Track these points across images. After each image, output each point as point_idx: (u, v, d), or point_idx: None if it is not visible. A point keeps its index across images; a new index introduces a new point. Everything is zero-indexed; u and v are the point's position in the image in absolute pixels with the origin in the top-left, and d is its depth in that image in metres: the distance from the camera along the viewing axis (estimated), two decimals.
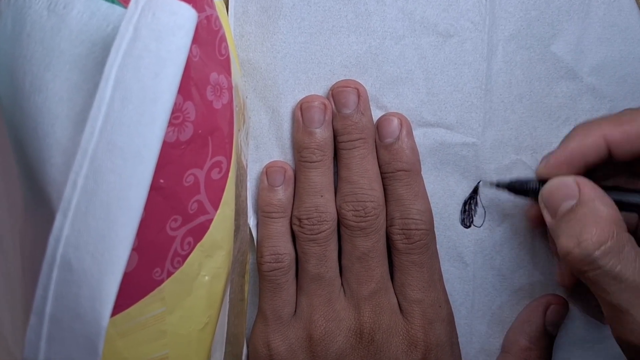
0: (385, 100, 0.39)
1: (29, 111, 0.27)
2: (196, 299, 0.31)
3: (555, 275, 0.39)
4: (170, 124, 0.28)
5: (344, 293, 0.38)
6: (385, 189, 0.38)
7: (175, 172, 0.29)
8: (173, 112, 0.27)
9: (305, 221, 0.38)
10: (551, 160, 0.35)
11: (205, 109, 0.30)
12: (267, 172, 0.39)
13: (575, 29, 0.38)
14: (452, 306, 0.39)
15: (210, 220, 0.31)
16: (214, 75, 0.31)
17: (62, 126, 0.27)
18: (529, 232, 0.39)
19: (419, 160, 0.39)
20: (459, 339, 0.40)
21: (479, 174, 0.39)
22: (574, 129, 0.35)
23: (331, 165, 0.39)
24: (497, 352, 0.40)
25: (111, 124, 0.25)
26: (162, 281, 0.29)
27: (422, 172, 0.39)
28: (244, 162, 0.38)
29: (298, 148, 0.39)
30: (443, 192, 0.40)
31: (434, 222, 0.39)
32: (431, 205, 0.39)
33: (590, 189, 0.32)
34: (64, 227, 0.25)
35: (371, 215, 0.37)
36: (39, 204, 0.28)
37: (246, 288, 0.39)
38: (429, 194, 0.39)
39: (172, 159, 0.28)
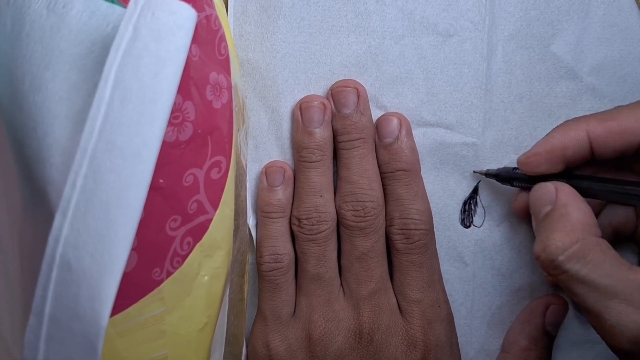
0: (384, 100, 0.39)
1: (28, 111, 0.27)
2: (195, 299, 0.31)
3: None
4: (170, 123, 0.28)
5: (343, 293, 0.38)
6: (384, 189, 0.38)
7: (175, 171, 0.29)
8: (172, 111, 0.27)
9: (305, 221, 0.38)
10: (531, 151, 0.36)
11: (204, 109, 0.30)
12: (267, 172, 0.39)
13: (575, 29, 0.38)
14: (451, 306, 0.39)
15: (209, 220, 0.31)
16: (213, 75, 0.31)
17: (62, 126, 0.27)
18: (529, 232, 0.39)
19: (418, 160, 0.39)
20: (459, 339, 0.40)
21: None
22: (561, 123, 0.35)
23: (331, 165, 0.39)
24: (497, 352, 0.40)
25: (110, 124, 0.25)
26: (161, 281, 0.29)
27: (421, 172, 0.39)
28: (244, 162, 0.38)
29: (297, 148, 0.39)
30: (443, 192, 0.40)
31: (434, 222, 0.39)
32: (431, 205, 0.39)
33: (565, 195, 0.33)
34: (63, 226, 0.25)
35: (370, 215, 0.37)
36: (38, 204, 0.28)
37: (246, 288, 0.39)
38: (428, 194, 0.39)
39: (171, 158, 0.28)
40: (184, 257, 0.30)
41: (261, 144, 0.40)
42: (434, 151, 0.39)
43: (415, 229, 0.37)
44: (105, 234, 0.25)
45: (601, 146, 0.33)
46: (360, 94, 0.38)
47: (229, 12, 0.38)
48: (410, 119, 0.39)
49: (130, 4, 0.26)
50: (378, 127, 0.39)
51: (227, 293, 0.36)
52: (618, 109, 0.34)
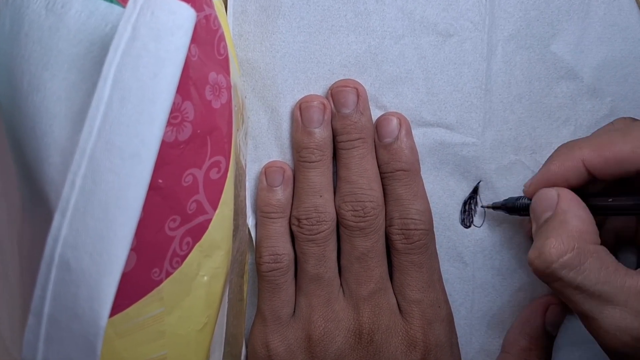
0: (384, 100, 0.39)
1: (27, 110, 0.27)
2: (195, 299, 0.31)
3: None
4: (169, 123, 0.28)
5: (343, 293, 0.38)
6: (384, 189, 0.38)
7: (174, 172, 0.29)
8: (172, 111, 0.27)
9: (304, 221, 0.38)
10: (534, 182, 0.36)
11: (204, 109, 0.30)
12: (266, 172, 0.39)
13: (575, 29, 0.38)
14: (451, 306, 0.39)
15: (209, 220, 0.31)
16: (212, 75, 0.31)
17: (60, 126, 0.27)
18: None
19: (418, 160, 0.39)
20: (459, 339, 0.39)
21: (479, 174, 0.39)
22: (556, 150, 0.36)
23: (330, 165, 0.39)
24: (497, 353, 0.40)
25: (109, 124, 0.25)
26: (160, 281, 0.29)
27: (421, 172, 0.39)
28: (243, 162, 0.38)
29: (297, 148, 0.39)
30: (443, 192, 0.40)
31: (434, 222, 0.39)
32: (431, 205, 0.39)
33: (566, 201, 0.33)
34: (62, 226, 0.25)
35: (370, 215, 0.37)
36: (37, 204, 0.28)
37: (245, 288, 0.39)
38: (428, 194, 0.39)
39: (170, 158, 0.28)
40: (183, 257, 0.30)
41: (261, 143, 0.40)
42: (434, 151, 0.39)
43: (415, 229, 0.37)
44: (104, 234, 0.25)
45: (599, 173, 0.33)
46: (359, 93, 0.38)
47: (228, 11, 0.38)
48: (410, 119, 0.39)
49: (129, 4, 0.25)
50: (378, 127, 0.39)
51: (227, 293, 0.36)
52: (610, 136, 0.33)
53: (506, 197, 0.39)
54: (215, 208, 0.31)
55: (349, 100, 0.38)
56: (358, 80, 0.39)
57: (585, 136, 0.36)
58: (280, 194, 0.39)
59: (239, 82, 0.37)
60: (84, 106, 0.26)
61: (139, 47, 0.25)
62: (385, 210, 0.38)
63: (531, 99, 0.39)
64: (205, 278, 0.31)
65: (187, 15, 0.26)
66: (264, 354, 0.38)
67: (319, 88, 0.39)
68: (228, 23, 0.38)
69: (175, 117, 0.28)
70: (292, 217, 0.39)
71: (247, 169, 0.39)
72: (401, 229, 0.37)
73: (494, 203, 0.39)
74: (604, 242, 0.32)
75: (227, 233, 0.33)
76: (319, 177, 0.38)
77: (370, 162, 0.38)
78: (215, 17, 0.32)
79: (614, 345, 0.30)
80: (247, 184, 0.39)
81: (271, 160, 0.40)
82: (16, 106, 0.27)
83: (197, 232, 0.31)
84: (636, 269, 0.31)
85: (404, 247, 0.37)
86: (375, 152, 0.39)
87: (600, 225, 0.37)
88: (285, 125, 0.39)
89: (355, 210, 0.37)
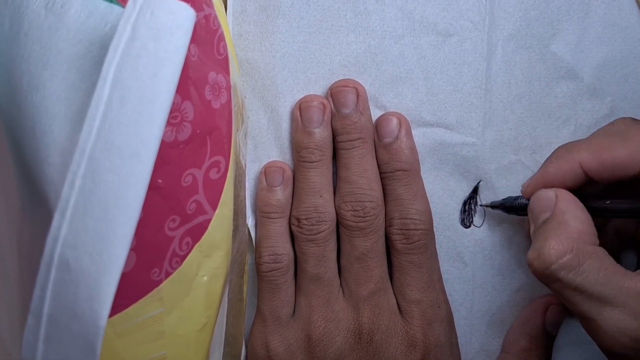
0: (384, 99, 0.39)
1: (26, 110, 0.27)
2: (194, 300, 0.31)
3: None
4: (169, 123, 0.28)
5: (343, 293, 0.38)
6: (384, 189, 0.38)
7: (174, 172, 0.29)
8: (171, 111, 0.27)
9: (304, 221, 0.38)
10: (532, 183, 0.36)
11: (203, 109, 0.30)
12: (266, 172, 0.39)
13: (575, 29, 0.38)
14: (451, 306, 0.39)
15: (208, 221, 0.31)
16: (212, 75, 0.31)
17: (60, 125, 0.27)
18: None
19: (418, 160, 0.39)
20: (459, 340, 0.39)
21: (479, 174, 0.39)
22: (554, 152, 0.36)
23: (330, 165, 0.39)
24: (497, 353, 0.40)
25: (109, 124, 0.25)
26: (160, 281, 0.29)
27: (421, 172, 0.39)
28: (243, 162, 0.38)
29: (297, 148, 0.39)
30: (442, 192, 0.39)
31: (434, 222, 0.39)
32: (430, 205, 0.39)
33: (564, 202, 0.33)
34: (61, 226, 0.25)
35: (370, 215, 0.37)
36: (36, 204, 0.28)
37: (245, 288, 0.39)
38: (428, 194, 0.39)
39: (170, 158, 0.28)
40: (183, 258, 0.30)
41: (260, 143, 0.40)
42: (434, 151, 0.39)
43: (415, 229, 0.37)
44: (104, 234, 0.25)
45: (596, 176, 0.33)
46: (359, 93, 0.38)
47: (228, 11, 0.38)
48: (410, 118, 0.39)
49: (129, 4, 0.25)
50: (377, 127, 0.38)
51: (226, 293, 0.36)
52: (609, 139, 0.33)
53: (505, 197, 0.39)
54: (214, 208, 0.31)
55: (348, 100, 0.38)
56: (358, 80, 0.39)
57: (584, 138, 0.36)
58: (280, 194, 0.39)
59: (238, 82, 0.37)
60: (83, 106, 0.26)
61: (138, 47, 0.25)
62: (385, 210, 0.38)
63: (531, 99, 0.39)
64: (205, 278, 0.31)
65: (187, 15, 0.26)
66: (264, 354, 0.38)
67: (318, 88, 0.39)
68: (228, 23, 0.38)
69: (174, 117, 0.28)
70: (292, 217, 0.39)
71: (246, 169, 0.39)
72: (401, 229, 0.37)
73: (492, 202, 0.39)
74: (604, 243, 0.32)
75: (227, 233, 0.33)
76: (319, 177, 0.38)
77: (370, 162, 0.38)
78: (215, 17, 0.32)
79: (613, 346, 0.30)
80: (247, 184, 0.39)
81: (271, 160, 0.40)
82: (16, 106, 0.27)
83: (197, 232, 0.31)
84: (637, 269, 0.31)
85: (403, 247, 0.37)
86: (375, 152, 0.39)
87: (601, 227, 0.37)
88: (285, 125, 0.39)
89: (355, 210, 0.37)
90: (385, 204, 0.38)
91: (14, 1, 0.28)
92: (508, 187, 0.39)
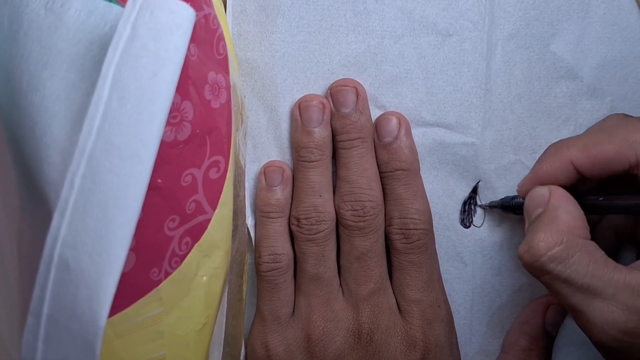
0: (384, 99, 0.39)
1: (26, 110, 0.27)
2: (194, 300, 0.31)
3: None
4: (168, 123, 0.28)
5: (343, 293, 0.38)
6: (384, 189, 0.38)
7: (173, 171, 0.29)
8: (171, 111, 0.27)
9: (304, 221, 0.38)
10: (526, 181, 0.36)
11: (203, 109, 0.30)
12: (265, 171, 0.39)
13: (575, 29, 0.38)
14: (451, 306, 0.39)
15: (208, 220, 0.31)
16: (212, 75, 0.31)
17: (60, 125, 0.27)
18: None
19: (417, 160, 0.39)
20: (458, 339, 0.39)
21: (479, 174, 0.39)
22: (546, 150, 0.36)
23: (330, 165, 0.39)
24: (497, 353, 0.40)
25: (109, 124, 0.25)
26: (159, 281, 0.29)
27: (421, 172, 0.39)
28: (242, 162, 0.38)
29: (296, 147, 0.39)
30: (442, 192, 0.39)
31: (433, 221, 0.39)
32: (430, 205, 0.39)
33: (556, 198, 0.33)
34: (61, 226, 0.25)
35: (370, 215, 0.37)
36: (36, 204, 0.28)
37: (244, 288, 0.39)
38: (428, 194, 0.39)
39: (170, 158, 0.28)
40: (183, 257, 0.30)
41: (260, 143, 0.40)
42: (434, 151, 0.39)
43: (415, 229, 0.37)
44: (103, 234, 0.25)
45: (587, 173, 0.34)
46: (359, 93, 0.38)
47: (227, 11, 0.38)
48: (410, 118, 0.39)
49: (129, 3, 0.25)
50: (377, 127, 0.38)
51: (226, 293, 0.36)
52: (598, 136, 0.34)
53: (503, 197, 0.39)
54: (214, 208, 0.31)
55: (348, 99, 0.38)
56: (357, 80, 0.39)
57: (575, 135, 0.36)
58: (280, 194, 0.39)
59: (238, 81, 0.37)
60: (83, 106, 0.26)
61: (138, 47, 0.25)
62: (385, 210, 0.38)
63: (531, 99, 0.39)
64: (205, 278, 0.31)
65: (187, 15, 0.26)
66: (263, 354, 0.38)
67: (318, 87, 0.39)
68: (227, 22, 0.38)
69: (174, 117, 0.28)
70: (292, 216, 0.39)
71: (246, 169, 0.39)
72: (401, 229, 0.37)
73: (491, 202, 0.39)
74: (603, 241, 0.32)
75: (227, 233, 0.33)
76: (318, 176, 0.38)
77: (370, 161, 0.38)
78: (215, 17, 0.32)
79: (602, 339, 0.30)
80: (247, 184, 0.39)
81: (270, 159, 0.40)
82: (15, 106, 0.27)
83: (196, 232, 0.31)
84: None
85: (403, 246, 0.37)
86: (375, 151, 0.39)
87: (595, 224, 0.37)
88: (285, 124, 0.39)
89: (355, 210, 0.37)
90: (384, 204, 0.38)
91: (13, 0, 0.28)
92: (508, 187, 0.39)
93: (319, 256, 0.38)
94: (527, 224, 0.35)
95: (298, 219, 0.38)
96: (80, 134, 0.25)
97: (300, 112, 0.38)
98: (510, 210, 0.38)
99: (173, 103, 0.27)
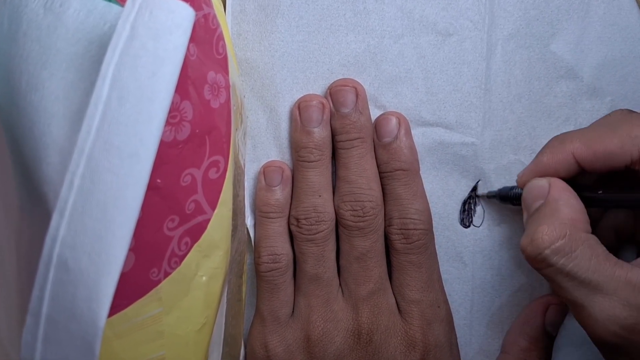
0: (383, 99, 0.39)
1: (25, 110, 0.27)
2: (193, 300, 0.31)
3: None
4: (168, 123, 0.28)
5: (342, 293, 0.38)
6: (383, 189, 0.38)
7: (173, 171, 0.29)
8: (170, 111, 0.27)
9: (303, 221, 0.38)
10: (526, 172, 0.36)
11: (202, 108, 0.30)
12: (265, 171, 0.39)
13: (575, 28, 0.38)
14: (451, 307, 0.39)
15: (207, 220, 0.31)
16: (211, 74, 0.31)
17: (59, 125, 0.26)
18: None
19: (417, 160, 0.39)
20: (458, 340, 0.39)
21: (478, 174, 0.39)
22: (548, 142, 0.36)
23: (329, 165, 0.39)
24: (497, 353, 0.40)
25: (108, 123, 0.25)
26: (159, 281, 0.29)
27: (421, 172, 0.39)
28: (242, 162, 0.38)
29: (296, 147, 0.38)
30: (442, 192, 0.39)
31: (433, 222, 0.39)
32: (430, 205, 0.39)
33: (557, 190, 0.33)
34: (60, 227, 0.25)
35: (369, 215, 0.37)
36: (35, 204, 0.28)
37: (244, 288, 0.39)
38: (427, 194, 0.39)
39: (169, 158, 0.28)
40: (182, 258, 0.30)
41: (259, 143, 0.40)
42: (433, 151, 0.39)
43: (414, 229, 0.37)
44: (102, 234, 0.25)
45: (588, 166, 0.34)
46: (358, 93, 0.38)
47: (227, 10, 0.38)
48: (410, 118, 0.39)
49: (128, 3, 0.25)
50: (377, 127, 0.38)
51: (225, 293, 0.36)
52: (601, 130, 0.34)
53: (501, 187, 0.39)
54: (213, 208, 0.31)
55: (347, 99, 0.38)
56: (357, 80, 0.39)
57: (579, 129, 0.36)
58: (279, 194, 0.39)
59: (237, 81, 0.37)
60: (82, 105, 0.26)
61: (137, 46, 0.25)
62: (385, 210, 0.38)
63: (531, 99, 0.39)
64: (204, 278, 0.31)
65: (186, 14, 0.26)
66: (263, 354, 0.38)
67: (317, 87, 0.39)
68: (227, 22, 0.38)
69: (173, 117, 0.28)
70: (291, 217, 0.39)
71: (245, 169, 0.39)
72: (400, 229, 0.37)
73: (489, 192, 0.39)
74: (603, 240, 0.32)
75: (226, 233, 0.33)
76: (318, 176, 0.38)
77: (370, 161, 0.38)
78: (214, 16, 0.32)
79: (602, 334, 0.30)
80: (246, 184, 0.39)
81: (270, 159, 0.40)
82: (14, 106, 0.27)
83: (196, 232, 0.31)
84: None
85: (403, 247, 0.37)
86: (375, 151, 0.39)
87: (596, 219, 0.37)
88: (284, 124, 0.39)
89: (355, 210, 0.37)
90: (384, 204, 0.38)
91: (12, 0, 0.28)
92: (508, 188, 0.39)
93: (318, 256, 0.38)
94: (525, 216, 0.35)
95: (297, 219, 0.38)
96: (79, 134, 0.24)
97: (299, 112, 0.38)
98: (508, 200, 0.38)
99: (172, 103, 0.27)
